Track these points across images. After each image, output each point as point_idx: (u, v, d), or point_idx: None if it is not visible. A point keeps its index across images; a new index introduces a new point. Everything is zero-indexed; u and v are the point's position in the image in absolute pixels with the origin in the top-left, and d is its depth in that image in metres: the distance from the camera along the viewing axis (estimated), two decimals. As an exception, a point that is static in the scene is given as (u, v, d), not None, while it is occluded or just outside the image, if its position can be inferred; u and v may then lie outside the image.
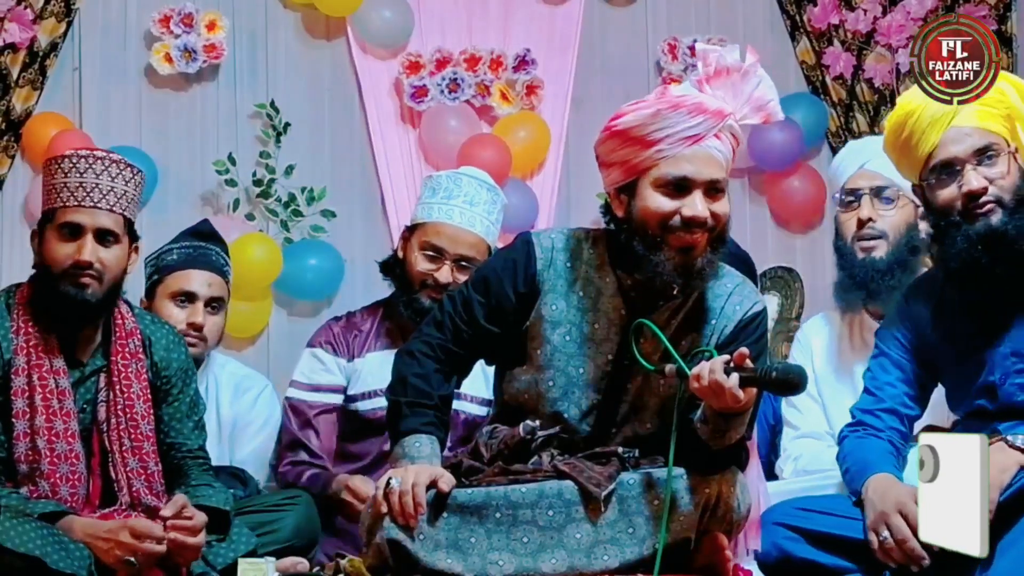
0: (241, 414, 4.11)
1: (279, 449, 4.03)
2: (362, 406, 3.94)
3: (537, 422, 3.02)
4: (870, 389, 3.27)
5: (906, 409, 3.23)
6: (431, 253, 3.90)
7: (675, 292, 2.97)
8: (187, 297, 3.93)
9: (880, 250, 3.69)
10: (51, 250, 3.31)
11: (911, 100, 3.15)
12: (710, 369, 2.77)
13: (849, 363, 3.75)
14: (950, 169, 3.09)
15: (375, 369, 3.93)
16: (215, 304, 4.00)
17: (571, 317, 3.04)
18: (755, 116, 2.98)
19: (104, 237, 3.31)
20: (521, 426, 3.02)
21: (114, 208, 3.32)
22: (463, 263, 3.87)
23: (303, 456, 3.92)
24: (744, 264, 3.89)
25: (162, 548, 3.14)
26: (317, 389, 3.98)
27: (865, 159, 3.74)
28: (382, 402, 3.86)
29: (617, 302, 3.03)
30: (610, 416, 3.03)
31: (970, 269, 3.07)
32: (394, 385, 3.08)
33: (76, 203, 3.28)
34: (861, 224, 3.70)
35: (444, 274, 3.86)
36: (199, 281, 3.95)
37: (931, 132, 3.10)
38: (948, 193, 3.10)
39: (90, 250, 3.29)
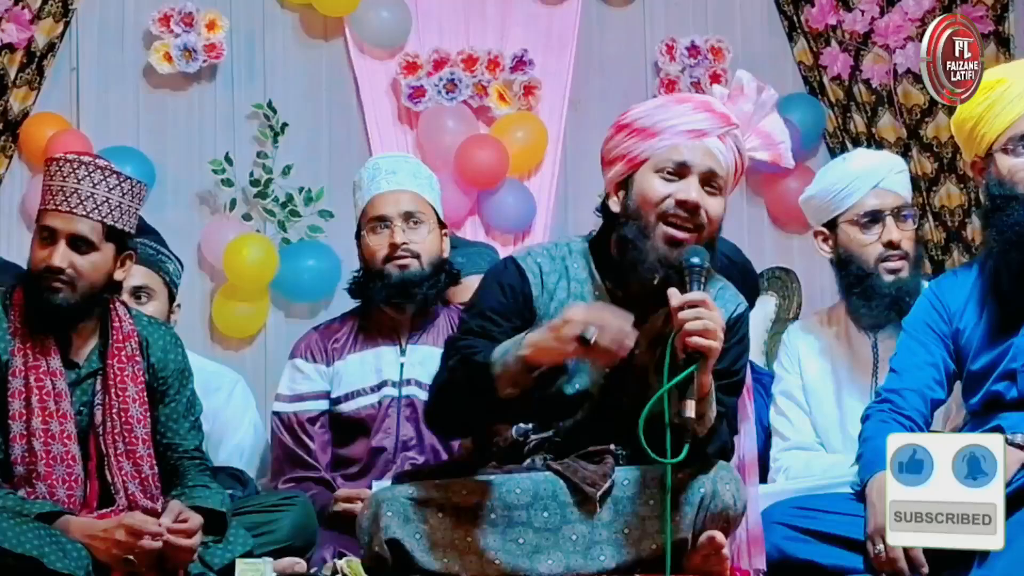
0: (217, 412, 4.11)
1: (274, 465, 4.01)
2: (345, 408, 3.94)
3: (530, 425, 3.00)
4: (896, 369, 3.28)
5: (931, 391, 3.23)
6: (378, 226, 3.90)
7: (655, 283, 2.92)
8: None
9: (905, 270, 3.68)
10: (31, 252, 3.31)
11: (1002, 70, 3.25)
12: None
13: (837, 373, 3.73)
14: None
15: (355, 371, 3.93)
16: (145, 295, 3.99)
17: None
18: (764, 152, 3.02)
19: (77, 243, 3.28)
20: (514, 428, 3.01)
21: (91, 215, 3.28)
22: (412, 221, 3.88)
23: (299, 472, 3.91)
24: (742, 272, 3.89)
25: (158, 544, 3.14)
26: (301, 398, 3.97)
27: (879, 178, 3.71)
28: (364, 402, 3.91)
29: None
30: (606, 432, 2.98)
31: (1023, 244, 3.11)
32: (447, 376, 2.95)
33: (54, 207, 3.26)
34: (892, 246, 3.67)
35: (397, 235, 3.86)
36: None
37: (1019, 103, 3.16)
38: (1020, 163, 3.16)
39: (61, 255, 3.26)
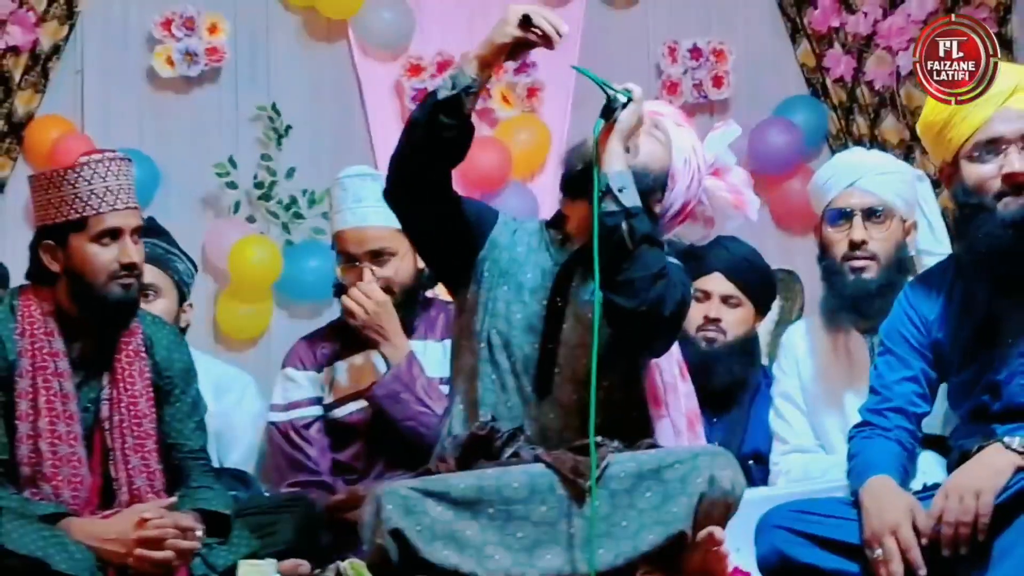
0: (226, 414, 4.11)
1: (274, 475, 4.00)
2: (339, 413, 3.94)
3: (489, 415, 3.06)
4: (876, 388, 3.25)
5: (913, 407, 3.21)
6: (347, 264, 3.92)
7: None
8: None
9: (871, 271, 3.64)
10: (89, 258, 3.31)
11: None
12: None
13: (833, 376, 3.72)
14: (993, 148, 3.08)
15: (345, 376, 3.95)
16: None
17: (509, 268, 3.17)
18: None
19: (135, 235, 3.36)
20: (475, 426, 3.06)
21: (137, 205, 3.38)
22: (379, 258, 3.87)
23: (301, 477, 3.92)
24: (762, 276, 3.94)
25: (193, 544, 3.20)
26: (294, 406, 3.97)
27: (856, 176, 3.68)
28: (356, 406, 3.92)
29: (545, 256, 3.19)
30: (551, 359, 3.10)
31: (997, 254, 3.06)
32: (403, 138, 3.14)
33: (110, 208, 3.30)
34: (854, 246, 3.65)
35: (365, 276, 3.85)
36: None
37: (984, 108, 3.09)
38: (986, 171, 3.08)
39: (134, 251, 3.34)
